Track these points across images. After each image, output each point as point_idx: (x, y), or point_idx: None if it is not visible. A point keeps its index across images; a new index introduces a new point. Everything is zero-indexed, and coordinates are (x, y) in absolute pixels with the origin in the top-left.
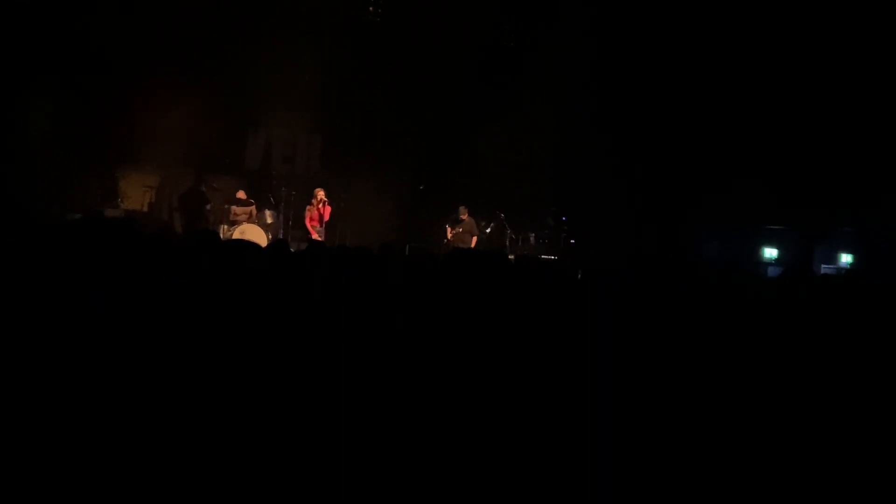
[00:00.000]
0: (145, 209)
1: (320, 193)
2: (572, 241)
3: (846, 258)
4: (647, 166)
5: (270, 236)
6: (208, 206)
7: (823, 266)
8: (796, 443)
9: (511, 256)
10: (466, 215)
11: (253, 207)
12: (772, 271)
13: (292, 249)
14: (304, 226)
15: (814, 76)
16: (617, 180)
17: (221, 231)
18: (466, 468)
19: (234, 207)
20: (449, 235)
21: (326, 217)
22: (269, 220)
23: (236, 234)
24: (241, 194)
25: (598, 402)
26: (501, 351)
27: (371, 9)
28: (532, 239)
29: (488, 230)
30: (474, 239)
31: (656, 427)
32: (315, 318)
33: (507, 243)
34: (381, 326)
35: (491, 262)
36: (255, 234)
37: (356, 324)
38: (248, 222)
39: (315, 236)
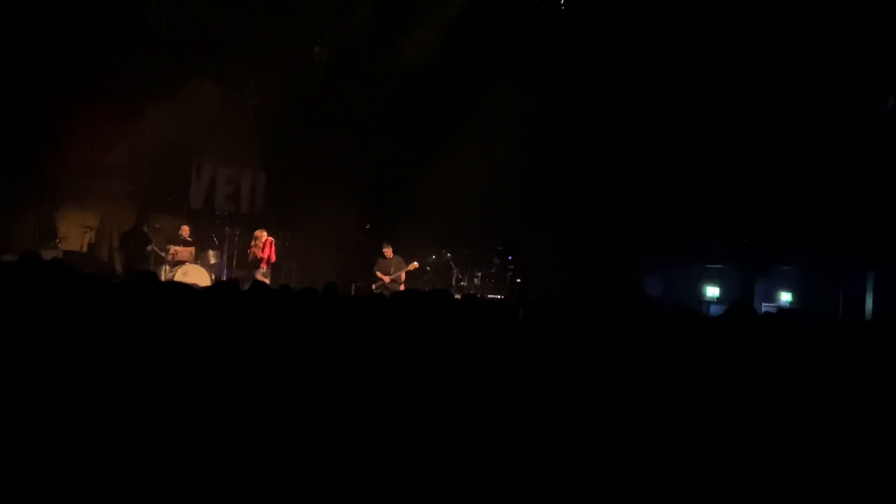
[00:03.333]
0: (84, 249)
1: (263, 235)
2: (518, 279)
3: (786, 296)
4: (591, 205)
5: (214, 277)
6: (149, 247)
7: (764, 304)
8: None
9: (457, 295)
10: (391, 252)
11: (194, 248)
12: (714, 310)
13: None
14: (252, 262)
15: (755, 119)
16: (561, 219)
17: (163, 272)
18: None
19: (175, 247)
20: (387, 280)
21: (273, 258)
22: (213, 261)
23: (178, 275)
24: (184, 230)
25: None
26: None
27: (317, 49)
28: (478, 278)
29: (429, 268)
30: (403, 274)
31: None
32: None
33: (454, 282)
34: (336, 369)
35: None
36: (198, 275)
37: (307, 366)
38: (191, 262)
39: (260, 277)
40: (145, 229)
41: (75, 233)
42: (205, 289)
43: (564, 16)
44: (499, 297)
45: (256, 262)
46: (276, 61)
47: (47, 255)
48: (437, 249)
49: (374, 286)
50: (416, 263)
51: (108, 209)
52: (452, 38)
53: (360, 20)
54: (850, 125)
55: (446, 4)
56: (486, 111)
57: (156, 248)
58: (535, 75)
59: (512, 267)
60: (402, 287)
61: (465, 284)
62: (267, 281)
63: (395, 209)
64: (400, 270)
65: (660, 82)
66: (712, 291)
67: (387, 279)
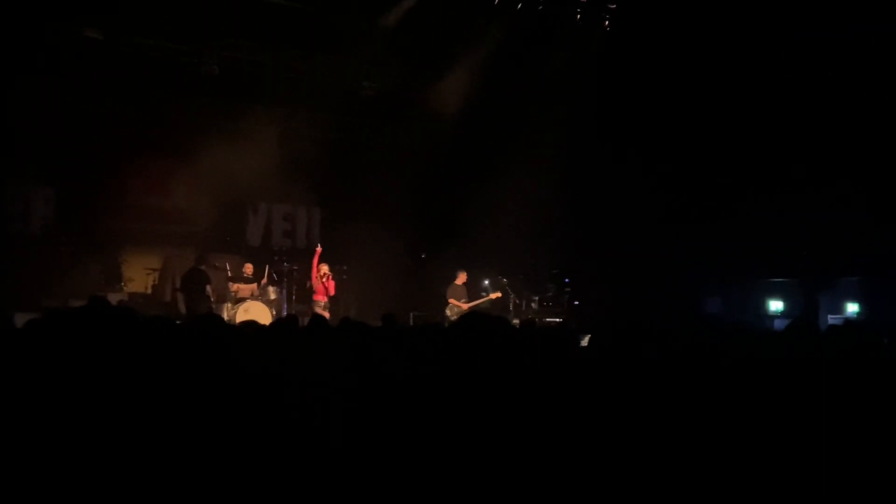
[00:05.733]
0: (149, 291)
1: (324, 268)
2: (576, 302)
3: (852, 307)
4: (647, 224)
5: (274, 312)
6: (209, 286)
7: (830, 316)
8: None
9: (515, 321)
10: (465, 278)
11: (255, 285)
12: (778, 324)
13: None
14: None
15: (810, 129)
16: (618, 239)
17: (225, 309)
18: None
19: (237, 285)
20: (465, 307)
21: (332, 292)
22: (273, 296)
23: (240, 312)
24: (248, 268)
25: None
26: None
27: (364, 83)
28: (535, 303)
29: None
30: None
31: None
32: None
33: (511, 308)
34: (393, 404)
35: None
36: (259, 311)
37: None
38: (252, 299)
39: (320, 311)
40: (204, 268)
41: (139, 275)
42: (265, 327)
43: (611, 36)
44: (557, 320)
45: (311, 290)
46: (326, 98)
47: (114, 298)
48: (493, 275)
49: (448, 312)
50: (500, 293)
51: (170, 251)
52: (500, 65)
53: (407, 56)
54: None
55: (491, 34)
56: (537, 137)
57: (217, 287)
58: (584, 99)
59: (569, 290)
60: None
61: (523, 309)
62: (327, 315)
63: (449, 237)
64: (482, 299)
65: (715, 99)
66: (776, 305)
67: (465, 307)
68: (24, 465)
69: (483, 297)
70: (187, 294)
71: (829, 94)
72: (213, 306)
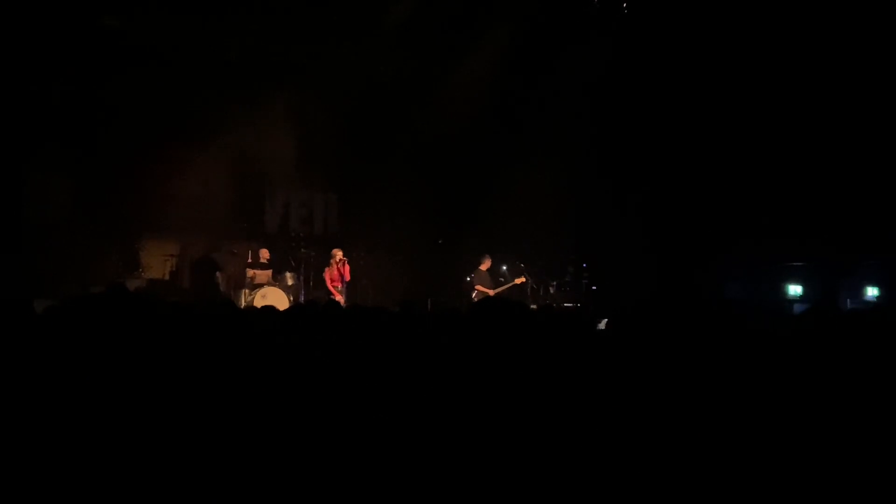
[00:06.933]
0: (167, 278)
1: (339, 254)
2: (594, 287)
3: (872, 291)
4: (665, 208)
5: (291, 298)
6: (218, 273)
7: (849, 301)
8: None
9: (533, 306)
10: (489, 264)
11: (272, 270)
12: (797, 308)
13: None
14: (326, 287)
15: (831, 112)
16: (635, 224)
17: (243, 295)
18: None
19: (254, 271)
20: (491, 293)
21: (347, 277)
22: (290, 282)
23: (258, 298)
24: (264, 253)
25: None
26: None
27: (382, 69)
28: (553, 288)
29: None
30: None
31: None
32: (332, 384)
33: (529, 293)
34: (399, 391)
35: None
36: (277, 297)
37: (370, 388)
38: (269, 284)
39: (337, 297)
40: (214, 256)
41: (157, 262)
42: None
43: (628, 18)
44: (575, 305)
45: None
46: (343, 84)
47: (132, 284)
48: (511, 261)
49: (475, 298)
50: (524, 278)
51: (187, 237)
52: (519, 49)
53: (424, 41)
54: None
55: (509, 21)
56: (556, 121)
57: (235, 273)
58: (606, 82)
59: (587, 275)
60: None
61: (541, 295)
62: (342, 300)
63: (467, 222)
64: (507, 285)
65: (735, 71)
66: (795, 289)
67: (491, 293)
68: (44, 450)
69: (503, 282)
70: (194, 280)
71: (838, 82)
72: (223, 293)
